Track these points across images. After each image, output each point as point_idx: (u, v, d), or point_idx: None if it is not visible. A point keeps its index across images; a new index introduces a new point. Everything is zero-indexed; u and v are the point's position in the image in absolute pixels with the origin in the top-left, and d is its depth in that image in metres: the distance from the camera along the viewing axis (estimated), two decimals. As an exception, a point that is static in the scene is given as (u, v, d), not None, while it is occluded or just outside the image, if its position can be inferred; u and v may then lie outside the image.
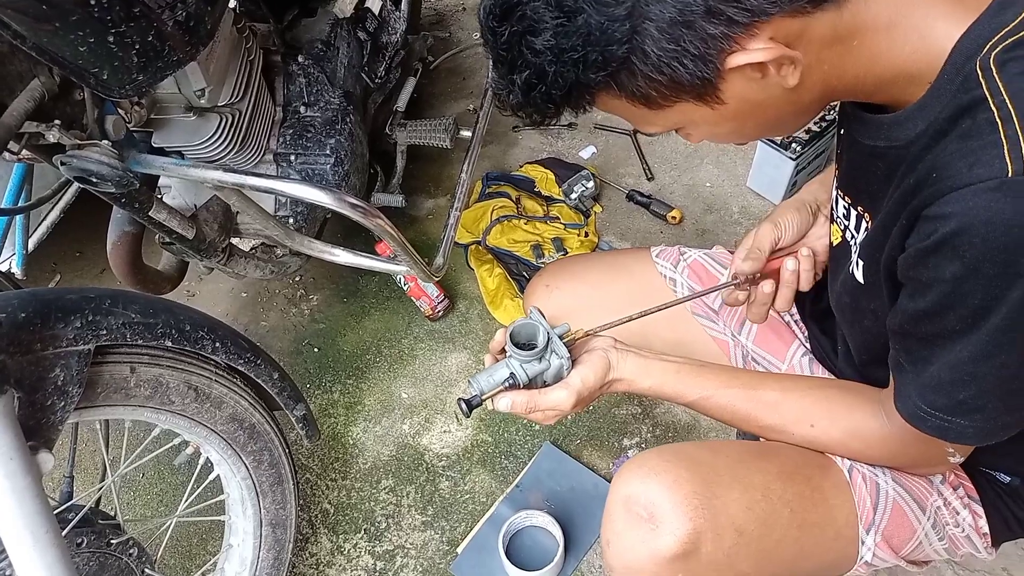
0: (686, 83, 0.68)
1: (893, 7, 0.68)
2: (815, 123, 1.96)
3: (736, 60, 0.65)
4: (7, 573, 0.96)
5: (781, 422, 0.91)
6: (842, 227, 0.90)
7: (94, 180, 0.97)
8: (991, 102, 0.62)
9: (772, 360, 1.13)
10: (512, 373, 0.91)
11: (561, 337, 0.93)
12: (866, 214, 0.83)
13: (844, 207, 0.88)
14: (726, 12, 0.63)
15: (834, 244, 0.94)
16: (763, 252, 1.01)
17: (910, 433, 0.80)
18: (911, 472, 0.93)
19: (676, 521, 0.81)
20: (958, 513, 0.93)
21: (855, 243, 0.86)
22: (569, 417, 1.47)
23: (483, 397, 0.90)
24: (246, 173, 1.06)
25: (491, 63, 0.74)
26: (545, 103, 0.72)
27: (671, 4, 0.63)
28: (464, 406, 0.90)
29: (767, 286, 0.99)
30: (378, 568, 1.53)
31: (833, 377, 1.06)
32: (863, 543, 0.90)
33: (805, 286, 1.00)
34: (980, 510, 0.94)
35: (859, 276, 0.85)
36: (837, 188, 0.89)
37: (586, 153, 2.26)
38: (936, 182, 0.65)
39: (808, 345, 1.13)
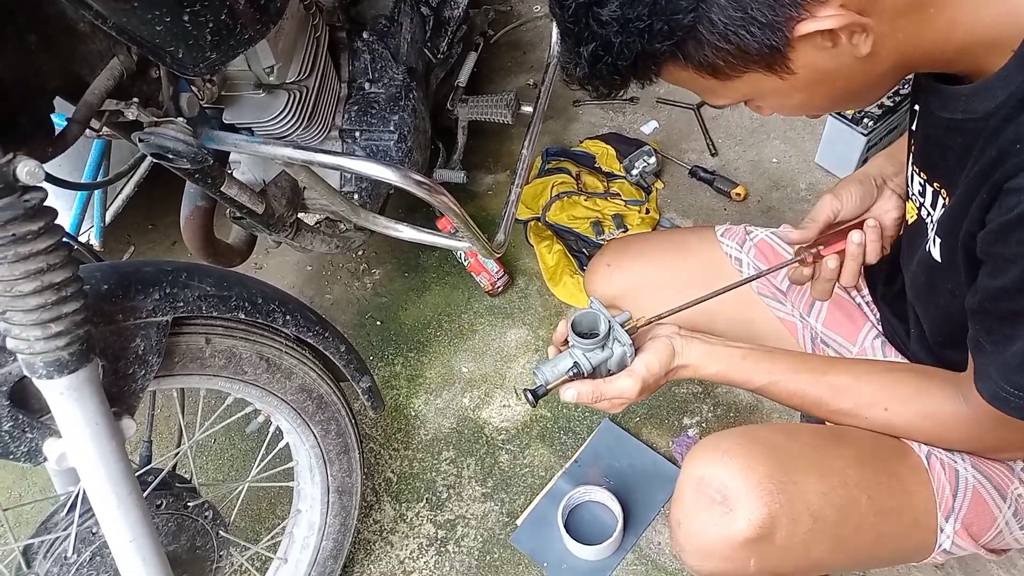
0: (754, 52, 0.66)
1: None
2: (888, 97, 1.89)
3: (805, 27, 0.64)
4: (93, 531, 1.02)
5: (853, 406, 0.89)
6: (917, 204, 0.87)
7: (170, 156, 0.99)
8: None
9: (843, 342, 1.11)
10: (575, 363, 0.91)
11: (623, 325, 0.93)
12: (943, 190, 0.80)
13: (920, 183, 0.85)
14: None
15: (909, 222, 0.91)
16: (816, 222, 0.97)
17: (990, 417, 0.78)
18: (991, 458, 0.90)
19: (750, 505, 0.81)
20: None
21: (931, 220, 0.84)
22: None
23: (548, 387, 0.92)
24: (314, 150, 1.08)
25: (558, 37, 0.74)
26: (611, 75, 0.71)
27: None
28: (530, 396, 0.92)
29: (832, 261, 0.96)
30: (439, 536, 1.56)
31: (906, 360, 1.03)
32: (942, 531, 0.87)
33: (872, 258, 0.97)
34: (1063, 494, 0.91)
35: (936, 254, 0.83)
36: (912, 164, 0.86)
37: (648, 128, 2.23)
38: (1019, 153, 0.63)
39: (880, 328, 1.10)
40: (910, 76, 0.79)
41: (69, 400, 0.80)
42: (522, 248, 2.01)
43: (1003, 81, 0.66)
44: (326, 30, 1.40)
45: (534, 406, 0.96)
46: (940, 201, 0.81)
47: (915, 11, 0.66)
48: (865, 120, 1.86)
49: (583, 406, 0.96)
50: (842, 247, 0.97)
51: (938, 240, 0.82)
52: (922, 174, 0.84)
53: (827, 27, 0.63)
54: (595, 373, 0.93)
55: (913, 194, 0.88)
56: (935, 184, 0.81)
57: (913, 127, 0.86)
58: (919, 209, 0.87)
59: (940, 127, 0.77)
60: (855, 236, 0.96)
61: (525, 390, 0.93)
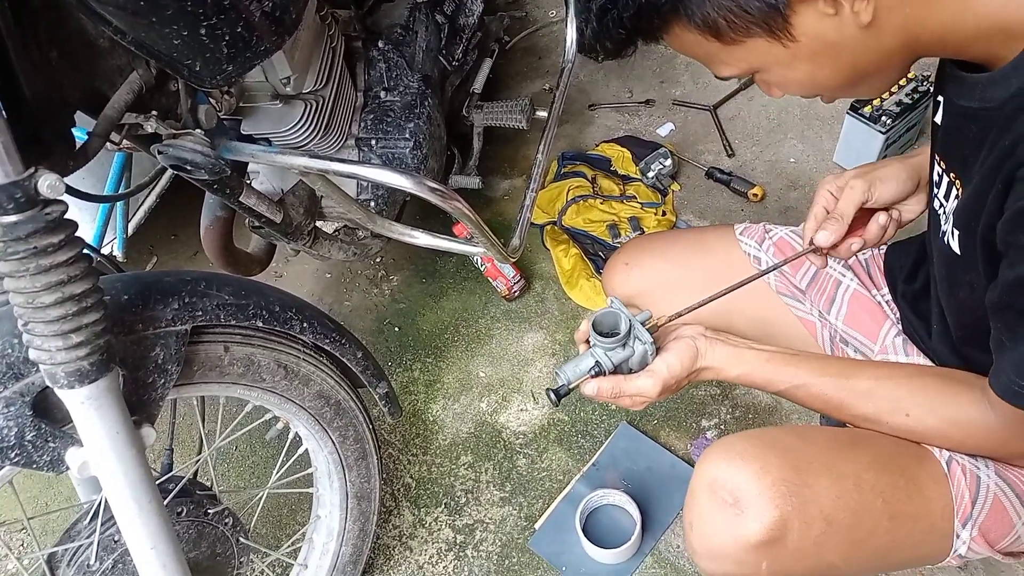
0: (755, 11, 0.67)
1: None
2: (907, 95, 1.87)
3: None
4: (115, 539, 1.04)
5: (875, 411, 0.88)
6: (932, 193, 0.86)
7: (188, 168, 1.01)
8: None
9: (864, 340, 1.10)
10: (597, 361, 0.92)
11: (643, 324, 0.93)
12: (957, 180, 0.79)
13: (938, 173, 0.84)
14: None
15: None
16: (845, 220, 0.94)
17: (1017, 422, 0.76)
18: (1018, 464, 0.89)
19: (762, 508, 0.81)
20: None
21: (944, 212, 0.83)
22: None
23: (570, 386, 0.92)
24: (330, 159, 1.09)
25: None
26: (617, 29, 0.73)
27: None
28: (552, 396, 0.93)
29: (855, 244, 0.95)
30: (458, 541, 1.56)
31: (927, 360, 1.02)
32: (958, 536, 0.86)
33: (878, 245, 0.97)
34: (1084, 503, 0.89)
35: (955, 246, 0.81)
36: (933, 153, 0.86)
37: (664, 130, 2.23)
38: None
39: (900, 326, 1.09)
40: (929, 69, 0.78)
41: (90, 409, 0.82)
42: (538, 252, 2.01)
43: (1018, 70, 0.65)
44: (342, 40, 1.41)
45: (556, 405, 0.96)
46: (954, 191, 0.80)
47: None
48: (883, 118, 1.85)
49: (604, 402, 0.96)
50: (861, 233, 0.96)
51: (956, 232, 0.80)
52: (941, 163, 0.83)
53: None
54: (617, 371, 0.93)
55: (933, 184, 0.87)
56: (951, 174, 0.80)
57: (936, 119, 0.85)
58: (932, 199, 0.87)
59: (958, 115, 0.76)
60: (881, 217, 0.95)
61: (547, 390, 0.94)
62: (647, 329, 0.93)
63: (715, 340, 0.94)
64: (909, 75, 1.91)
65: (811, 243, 0.96)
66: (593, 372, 0.92)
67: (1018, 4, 0.64)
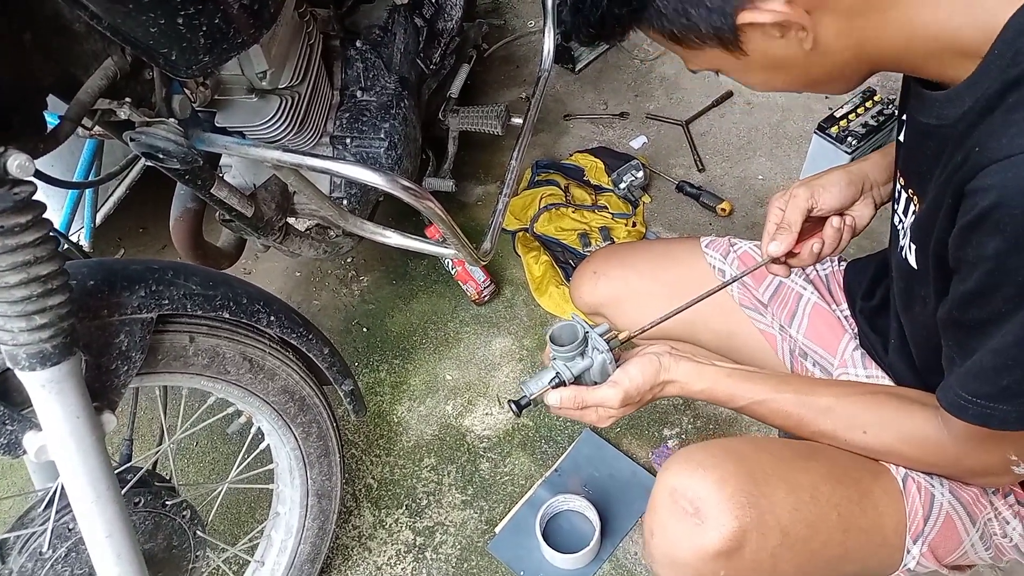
0: (703, 31, 0.71)
1: None
2: (873, 117, 1.92)
3: (746, 17, 0.68)
4: (70, 527, 1.02)
5: (833, 428, 0.90)
6: (893, 208, 0.89)
7: (160, 156, 1.01)
8: None
9: (823, 354, 1.12)
10: (557, 372, 0.94)
11: (602, 336, 0.95)
12: (915, 196, 0.81)
13: (898, 189, 0.86)
14: None
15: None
16: (794, 228, 0.98)
17: (967, 440, 0.78)
18: (971, 483, 0.91)
19: (722, 518, 0.82)
20: (1008, 523, 0.92)
21: (903, 227, 0.85)
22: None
23: (531, 397, 0.94)
24: (304, 153, 1.09)
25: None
26: (586, 27, 0.76)
27: None
28: (514, 407, 0.95)
29: (816, 245, 0.98)
30: (418, 543, 1.56)
31: (884, 373, 1.05)
32: (908, 552, 0.89)
33: (835, 252, 1.00)
34: (1032, 517, 0.92)
35: (912, 261, 0.84)
36: (896, 170, 0.88)
37: (637, 143, 2.26)
38: (977, 156, 0.64)
39: (858, 340, 1.12)
40: (895, 93, 0.81)
41: (51, 393, 0.81)
42: (509, 258, 2.03)
43: (971, 88, 0.68)
44: (320, 38, 1.41)
45: (518, 416, 0.98)
46: (912, 207, 0.82)
47: (873, 11, 0.68)
48: (850, 139, 1.89)
49: (569, 417, 0.97)
50: (818, 238, 0.99)
51: (913, 247, 0.83)
52: (901, 179, 0.86)
53: (763, 20, 0.67)
54: (578, 382, 0.95)
55: (895, 200, 0.90)
56: (909, 190, 0.83)
57: (900, 137, 0.88)
58: (893, 215, 0.89)
59: (917, 132, 0.79)
60: (835, 221, 0.98)
61: (509, 401, 0.95)
62: (606, 340, 0.94)
63: (679, 356, 0.95)
64: (876, 98, 1.96)
65: (767, 255, 0.99)
66: (554, 383, 0.94)
67: (968, 30, 0.66)
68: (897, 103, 1.93)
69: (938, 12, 0.67)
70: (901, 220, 0.85)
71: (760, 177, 2.12)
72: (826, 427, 0.90)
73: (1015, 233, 0.62)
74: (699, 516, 0.83)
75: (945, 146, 0.72)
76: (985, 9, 0.65)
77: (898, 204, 0.86)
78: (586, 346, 0.94)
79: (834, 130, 1.91)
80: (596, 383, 0.95)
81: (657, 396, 0.96)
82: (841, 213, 1.00)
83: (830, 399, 0.90)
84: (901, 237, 0.86)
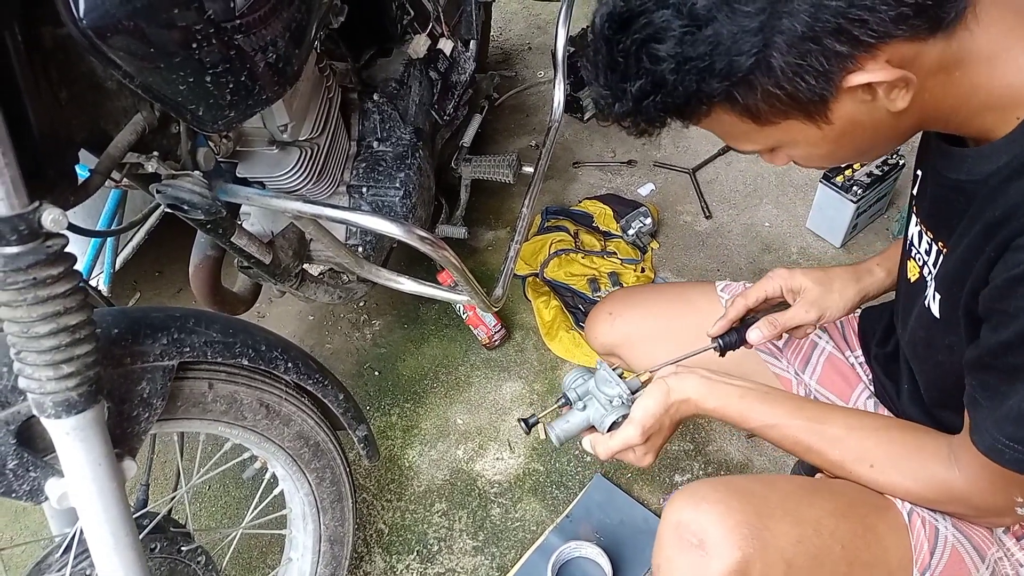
0: (804, 99, 0.69)
1: (996, 40, 0.69)
2: (877, 167, 1.95)
3: (856, 79, 0.66)
4: (87, 573, 1.03)
5: (842, 459, 0.91)
6: (920, 263, 0.91)
7: (185, 208, 1.04)
8: None
9: (836, 401, 1.14)
10: (564, 393, 1.03)
11: (621, 377, 0.99)
12: (945, 248, 0.83)
13: (927, 242, 0.88)
14: (853, 32, 0.64)
15: (911, 280, 0.94)
16: (781, 328, 1.05)
17: (977, 481, 0.80)
18: (975, 522, 0.91)
19: (725, 549, 0.83)
20: (1021, 566, 0.92)
21: (930, 277, 0.87)
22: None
23: (538, 416, 1.03)
24: (323, 204, 1.12)
25: (596, 73, 0.74)
26: (658, 112, 0.72)
27: (803, 18, 0.64)
28: (523, 425, 1.03)
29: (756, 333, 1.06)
30: (429, 591, 1.56)
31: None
32: None
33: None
34: (1044, 562, 0.92)
35: (935, 310, 0.85)
36: (919, 223, 0.90)
37: (645, 190, 2.29)
38: None
39: (872, 388, 1.13)
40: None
41: (75, 440, 0.83)
42: (520, 303, 2.05)
43: (1009, 145, 0.70)
44: (339, 91, 1.46)
45: (527, 434, 1.06)
46: (942, 259, 0.84)
47: (944, 72, 0.70)
48: (854, 188, 1.92)
49: (607, 459, 0.99)
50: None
51: (938, 296, 0.84)
52: (929, 233, 0.87)
53: (878, 79, 0.66)
54: (607, 423, 0.98)
55: (919, 253, 0.91)
56: (939, 243, 0.85)
57: (915, 191, 0.90)
58: (921, 268, 0.91)
59: (946, 187, 0.80)
60: (809, 330, 1.07)
61: (519, 419, 1.04)
62: (625, 381, 0.98)
63: (688, 373, 0.97)
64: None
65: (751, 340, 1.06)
66: (561, 402, 1.02)
67: (1011, 89, 0.69)
68: (902, 152, 1.98)
69: (994, 71, 0.69)
70: (931, 272, 0.87)
71: (767, 224, 2.15)
72: (835, 457, 0.91)
73: None
74: (703, 548, 0.84)
75: (974, 199, 0.74)
76: None
77: (929, 256, 0.88)
78: (590, 373, 1.02)
79: (839, 179, 1.94)
80: (617, 423, 0.98)
81: (677, 419, 0.97)
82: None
83: (841, 430, 0.91)
84: (926, 288, 0.88)
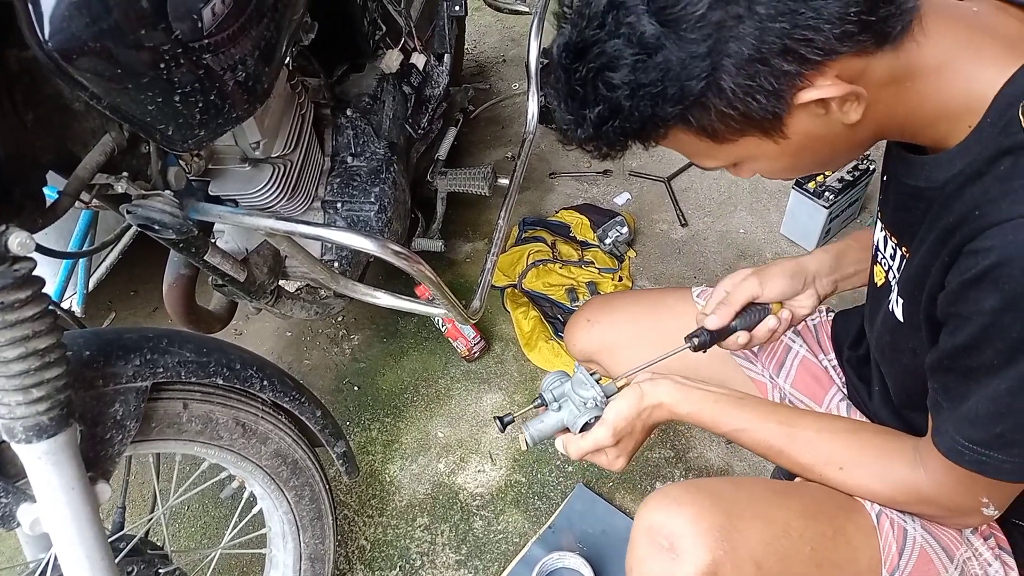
0: (757, 117, 0.70)
1: (945, 51, 0.71)
2: (849, 172, 1.98)
3: (807, 96, 0.68)
4: (63, 598, 1.02)
5: (812, 461, 0.92)
6: (886, 267, 0.92)
7: (156, 227, 1.03)
8: None
9: (810, 404, 1.15)
10: (540, 394, 1.04)
11: (599, 381, 1.00)
12: (908, 253, 0.85)
13: (892, 247, 0.90)
14: (799, 51, 0.65)
15: (878, 284, 0.96)
16: (731, 307, 1.03)
17: (943, 482, 0.81)
18: (943, 523, 0.92)
19: (696, 552, 0.83)
20: (989, 565, 0.93)
21: (895, 282, 0.89)
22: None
23: (514, 414, 1.04)
24: (296, 221, 1.12)
25: (558, 100, 0.76)
26: (617, 136, 0.74)
27: (749, 41, 0.65)
28: (498, 423, 1.04)
29: (742, 338, 1.02)
30: (412, 606, 1.55)
31: (870, 422, 1.07)
32: None
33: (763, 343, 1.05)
34: (1012, 562, 0.93)
35: (899, 314, 0.87)
36: (884, 228, 0.92)
37: (621, 199, 2.31)
38: (978, 219, 0.68)
39: (845, 391, 1.15)
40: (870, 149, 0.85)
41: (47, 465, 0.82)
42: (499, 314, 2.05)
43: (962, 153, 0.72)
44: (311, 107, 1.46)
45: (502, 431, 1.06)
46: (904, 263, 0.86)
47: (895, 84, 0.72)
48: (827, 194, 1.95)
49: (578, 459, 1.00)
50: (746, 333, 1.05)
51: (901, 300, 0.86)
52: (893, 238, 0.89)
53: (828, 95, 0.68)
54: (579, 424, 0.99)
55: (884, 257, 0.93)
56: (903, 248, 0.87)
57: (882, 196, 0.92)
58: (887, 272, 0.92)
59: (906, 193, 0.83)
60: (771, 322, 1.03)
61: (494, 417, 1.05)
62: (600, 386, 0.99)
63: (661, 378, 0.98)
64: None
65: (703, 326, 1.03)
66: (537, 403, 1.03)
67: (961, 99, 0.71)
68: (872, 158, 2.01)
69: (942, 82, 0.71)
70: (895, 276, 0.89)
71: (741, 231, 2.17)
72: (805, 460, 0.92)
73: (1013, 292, 0.65)
74: (674, 551, 0.85)
75: (932, 205, 0.76)
76: (979, 80, 0.70)
77: (893, 261, 0.90)
78: (566, 377, 1.02)
79: (811, 185, 1.97)
80: (589, 423, 0.98)
81: (649, 423, 0.98)
82: (782, 302, 1.05)
83: (811, 433, 0.93)
84: (889, 293, 0.89)
